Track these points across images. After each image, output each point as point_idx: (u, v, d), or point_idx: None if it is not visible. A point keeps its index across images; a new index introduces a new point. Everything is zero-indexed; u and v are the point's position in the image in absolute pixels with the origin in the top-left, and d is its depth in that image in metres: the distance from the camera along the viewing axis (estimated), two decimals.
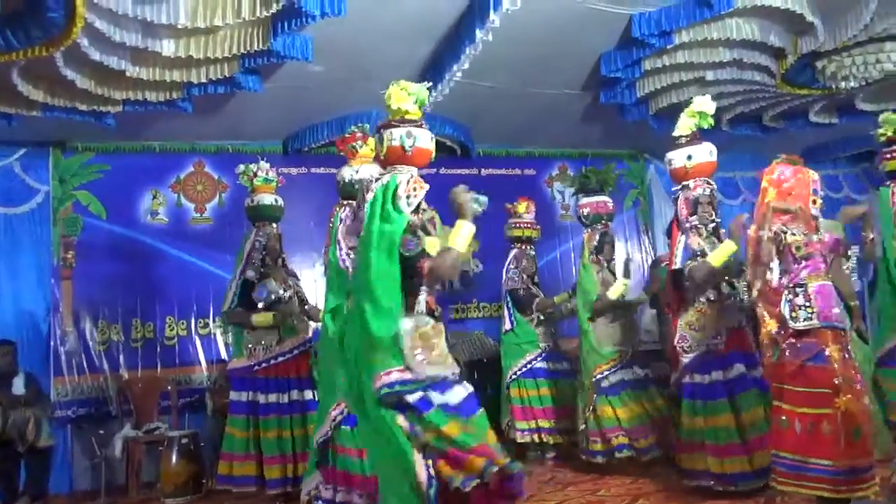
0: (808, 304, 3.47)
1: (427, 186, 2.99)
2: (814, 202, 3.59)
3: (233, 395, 4.88)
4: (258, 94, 5.39)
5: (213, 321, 6.58)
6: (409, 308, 2.93)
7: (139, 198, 6.62)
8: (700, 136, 4.55)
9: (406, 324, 2.85)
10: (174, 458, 5.30)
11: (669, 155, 4.55)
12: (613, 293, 5.29)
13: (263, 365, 4.80)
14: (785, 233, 3.56)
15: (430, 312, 2.99)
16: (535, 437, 5.63)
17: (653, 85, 5.79)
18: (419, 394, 2.80)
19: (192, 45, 4.47)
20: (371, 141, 4.29)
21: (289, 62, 4.92)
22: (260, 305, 4.83)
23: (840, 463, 3.29)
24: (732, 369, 4.25)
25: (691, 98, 5.72)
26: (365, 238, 2.92)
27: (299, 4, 4.08)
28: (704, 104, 4.51)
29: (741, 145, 7.58)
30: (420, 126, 3.09)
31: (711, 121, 4.55)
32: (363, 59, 5.25)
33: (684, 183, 4.47)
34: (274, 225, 5.09)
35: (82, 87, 4.82)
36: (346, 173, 4.31)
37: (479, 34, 4.53)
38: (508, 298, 5.91)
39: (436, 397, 2.84)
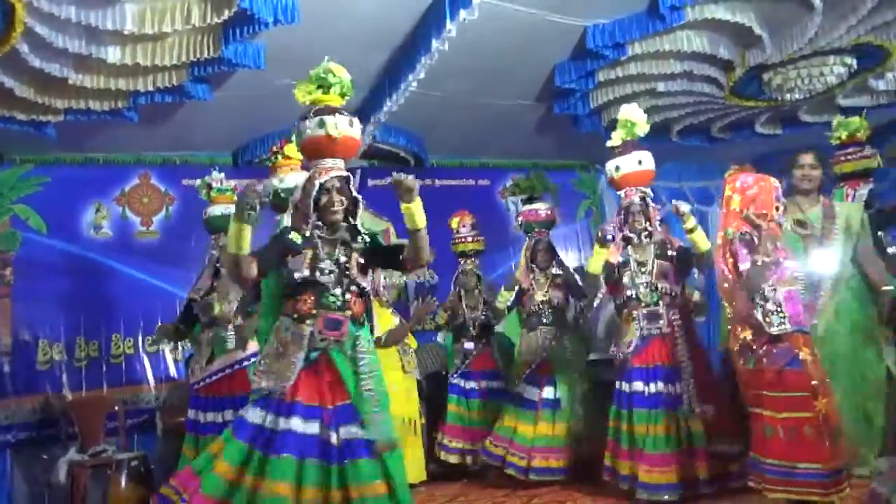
0: (779, 309, 3.50)
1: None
2: (776, 209, 3.65)
3: (190, 413, 4.77)
4: (207, 104, 5.25)
5: None
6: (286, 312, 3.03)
7: (82, 211, 6.37)
8: (633, 145, 4.64)
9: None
10: (123, 482, 5.08)
11: (606, 165, 4.69)
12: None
13: (201, 383, 4.70)
14: (751, 238, 3.61)
15: (296, 316, 3.01)
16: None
17: (606, 96, 5.85)
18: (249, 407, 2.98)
19: (140, 52, 4.33)
20: (289, 148, 4.25)
21: (240, 71, 4.81)
22: (203, 320, 4.72)
23: (826, 465, 3.33)
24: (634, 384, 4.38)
25: (643, 109, 5.88)
26: None
27: (251, 11, 3.98)
28: (632, 112, 4.60)
29: (689, 156, 7.73)
30: (332, 112, 3.10)
31: (642, 129, 4.66)
32: (315, 66, 5.15)
33: (617, 192, 4.54)
34: None
35: (21, 96, 4.61)
36: (273, 183, 4.26)
37: (434, 43, 4.51)
38: None
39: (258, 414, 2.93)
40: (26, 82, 4.56)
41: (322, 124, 3.05)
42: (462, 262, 5.93)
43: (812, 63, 5.53)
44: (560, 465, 5.02)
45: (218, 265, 4.82)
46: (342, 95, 3.24)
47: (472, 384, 5.72)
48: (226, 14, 4.02)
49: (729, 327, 3.75)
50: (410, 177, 2.97)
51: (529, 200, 5.69)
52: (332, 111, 3.10)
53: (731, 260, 3.66)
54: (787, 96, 5.88)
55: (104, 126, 5.53)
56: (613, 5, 4.74)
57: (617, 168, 4.57)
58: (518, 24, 4.76)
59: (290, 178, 4.12)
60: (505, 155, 7.69)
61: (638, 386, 4.36)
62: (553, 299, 5.37)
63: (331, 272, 3.04)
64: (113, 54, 4.27)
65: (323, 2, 4.31)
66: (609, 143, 4.69)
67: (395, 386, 4.39)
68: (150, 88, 4.73)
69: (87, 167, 6.39)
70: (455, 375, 5.74)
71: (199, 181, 5.09)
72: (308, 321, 2.98)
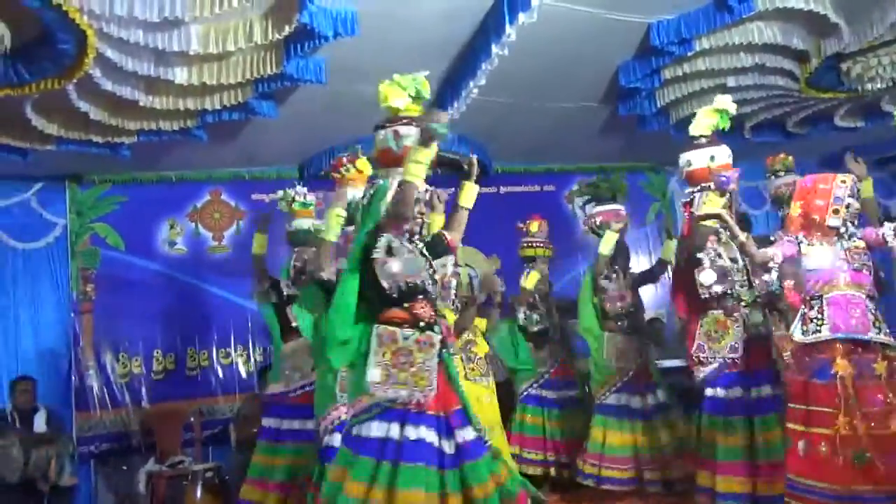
0: (819, 316, 3.34)
1: (422, 187, 2.96)
2: (835, 211, 3.47)
3: (264, 422, 4.74)
4: (273, 120, 5.34)
5: (235, 350, 6.49)
6: (386, 320, 2.90)
7: (157, 228, 6.59)
8: (719, 137, 4.40)
9: (374, 342, 2.87)
10: (199, 493, 5.18)
11: (687, 155, 4.35)
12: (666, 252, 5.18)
13: (298, 392, 4.62)
14: (801, 243, 3.47)
15: (416, 324, 2.92)
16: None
17: (673, 94, 5.67)
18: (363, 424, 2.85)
19: (205, 71, 4.43)
20: (360, 162, 4.20)
21: (303, 85, 4.86)
22: (294, 325, 4.68)
23: (838, 487, 3.12)
24: (757, 388, 4.08)
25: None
26: (351, 250, 2.97)
27: (312, 26, 4.02)
28: (725, 103, 4.34)
29: (764, 153, 7.41)
30: (410, 124, 2.99)
31: (729, 122, 4.40)
32: (377, 79, 5.15)
33: (704, 185, 4.25)
34: (313, 249, 4.92)
35: (96, 119, 4.80)
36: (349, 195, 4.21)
37: (494, 49, 4.45)
38: None
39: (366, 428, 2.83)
40: (100, 106, 4.73)
41: (398, 136, 3.06)
42: (530, 266, 5.82)
43: (894, 50, 5.24)
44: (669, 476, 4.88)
45: (303, 277, 4.78)
46: (421, 110, 3.21)
47: (550, 394, 5.60)
48: (286, 30, 4.07)
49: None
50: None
51: (595, 200, 5.56)
52: (406, 122, 3.09)
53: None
54: (868, 86, 5.58)
55: (175, 145, 5.69)
56: (677, 0, 4.59)
57: (712, 158, 4.24)
58: (578, 24, 4.66)
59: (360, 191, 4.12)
60: (570, 159, 7.56)
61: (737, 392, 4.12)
62: (637, 302, 5.28)
63: (433, 281, 3.06)
64: (180, 75, 4.38)
65: (382, 13, 4.32)
66: (695, 132, 4.37)
67: None
68: (217, 107, 4.84)
69: (161, 185, 6.61)
70: (535, 385, 5.61)
71: (280, 193, 4.99)
72: (435, 328, 2.95)
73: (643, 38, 4.92)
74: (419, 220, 3.09)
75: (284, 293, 4.78)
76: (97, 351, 6.18)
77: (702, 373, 4.15)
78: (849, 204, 3.50)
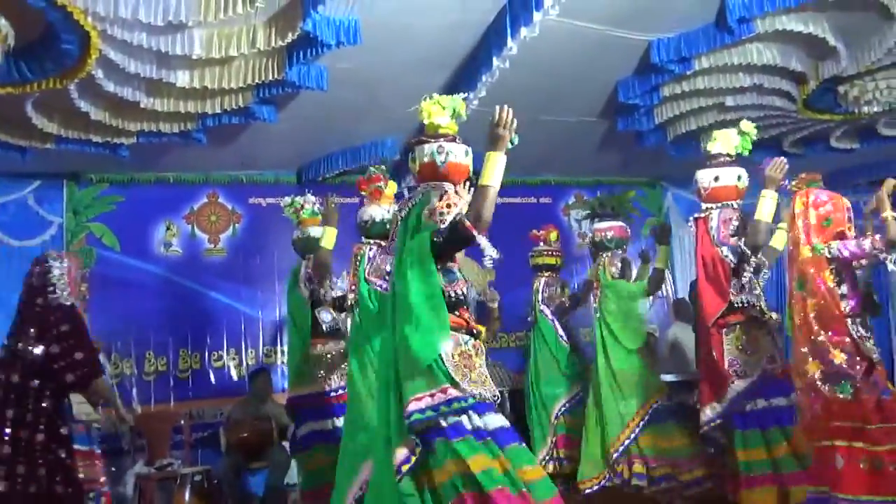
0: (869, 334, 3.33)
1: (462, 201, 2.88)
2: (849, 228, 3.46)
3: (303, 429, 4.65)
4: (272, 124, 5.35)
5: (227, 354, 6.49)
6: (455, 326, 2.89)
7: (153, 229, 6.59)
8: (734, 159, 4.39)
9: (446, 345, 2.78)
10: (187, 497, 5.17)
11: (713, 172, 4.29)
12: (661, 262, 5.15)
13: (340, 392, 4.58)
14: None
15: (470, 331, 2.93)
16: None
17: (671, 111, 5.72)
18: (454, 418, 2.71)
19: (207, 75, 4.45)
20: (392, 184, 4.23)
21: (303, 92, 4.88)
22: (325, 328, 4.68)
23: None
24: (787, 398, 4.00)
25: (710, 124, 5.73)
26: (399, 260, 2.87)
27: (315, 34, 4.05)
28: (750, 126, 4.37)
29: (758, 172, 7.47)
30: (453, 140, 3.01)
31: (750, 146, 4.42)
32: (378, 87, 5.21)
33: (726, 203, 4.26)
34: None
35: (96, 119, 4.81)
36: (377, 213, 4.18)
37: (495, 62, 4.48)
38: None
39: (473, 420, 2.75)
40: (101, 106, 4.75)
41: (468, 154, 3.03)
42: (545, 275, 5.81)
43: (891, 74, 5.30)
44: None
45: (314, 284, 4.69)
46: (455, 119, 3.19)
47: None
48: (289, 37, 4.09)
49: (804, 350, 3.41)
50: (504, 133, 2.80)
51: (600, 216, 5.57)
52: (451, 139, 3.05)
53: (831, 277, 3.38)
54: (865, 109, 5.63)
55: (174, 147, 5.70)
56: (678, 19, 4.63)
57: (739, 178, 4.27)
58: (580, 39, 4.70)
59: (377, 211, 4.17)
60: (567, 172, 7.60)
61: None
62: None
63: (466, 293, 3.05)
64: (182, 78, 4.39)
65: (384, 23, 4.34)
66: (721, 150, 4.35)
67: None
68: (218, 111, 4.86)
69: (158, 186, 6.61)
70: None
71: (287, 199, 4.95)
72: (476, 334, 2.96)
73: (643, 55, 4.97)
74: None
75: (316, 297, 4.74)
76: None
77: (739, 386, 4.07)
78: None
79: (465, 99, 3.17)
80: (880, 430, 3.22)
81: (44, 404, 3.56)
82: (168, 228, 6.64)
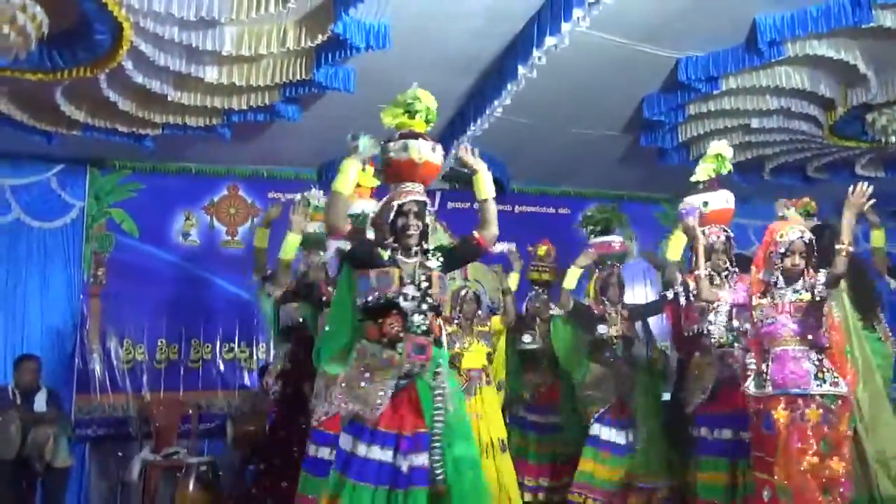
0: (764, 371, 3.48)
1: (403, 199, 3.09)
2: (776, 262, 3.58)
3: None
4: (296, 123, 5.37)
5: (238, 346, 6.53)
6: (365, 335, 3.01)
7: (172, 218, 6.63)
8: (719, 182, 4.49)
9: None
10: (191, 486, 5.21)
11: (687, 200, 4.47)
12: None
13: None
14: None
15: (381, 340, 2.97)
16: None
17: (696, 130, 5.69)
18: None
19: (235, 72, 4.47)
20: (363, 174, 4.23)
21: (329, 92, 4.90)
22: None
23: None
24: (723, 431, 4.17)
25: (735, 145, 5.68)
26: None
27: (344, 36, 4.06)
28: (721, 148, 4.46)
29: (781, 194, 7.40)
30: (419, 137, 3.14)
31: (729, 165, 4.50)
32: (403, 90, 5.20)
33: (700, 229, 4.31)
34: (321, 254, 4.88)
35: (123, 109, 4.85)
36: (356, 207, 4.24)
37: (521, 70, 4.47)
38: None
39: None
40: (129, 97, 4.78)
41: (406, 148, 3.09)
42: (538, 290, 5.83)
43: None
44: None
45: (305, 282, 4.76)
46: (427, 121, 3.27)
47: (535, 417, 5.60)
48: (319, 38, 4.11)
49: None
50: (469, 153, 3.23)
51: (602, 232, 5.55)
52: (416, 136, 3.14)
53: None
54: (893, 138, 5.57)
55: (198, 140, 5.74)
56: (708, 38, 4.61)
57: (705, 203, 4.38)
58: (608, 53, 4.68)
59: (358, 204, 4.17)
60: (587, 185, 7.57)
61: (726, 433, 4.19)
62: (626, 334, 5.21)
63: (413, 297, 3.01)
64: (210, 74, 4.42)
65: (412, 27, 4.35)
66: (694, 178, 4.53)
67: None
68: (244, 107, 4.88)
69: (180, 176, 6.65)
70: (524, 408, 5.61)
71: (298, 195, 4.99)
72: (398, 346, 2.94)
73: (671, 72, 4.95)
74: (410, 233, 3.08)
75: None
76: (103, 335, 6.21)
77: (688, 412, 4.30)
78: (784, 255, 3.54)
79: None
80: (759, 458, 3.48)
81: None
82: (187, 218, 6.68)
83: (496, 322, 5.33)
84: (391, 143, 3.14)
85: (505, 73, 4.75)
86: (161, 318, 6.39)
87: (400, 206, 3.08)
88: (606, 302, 5.19)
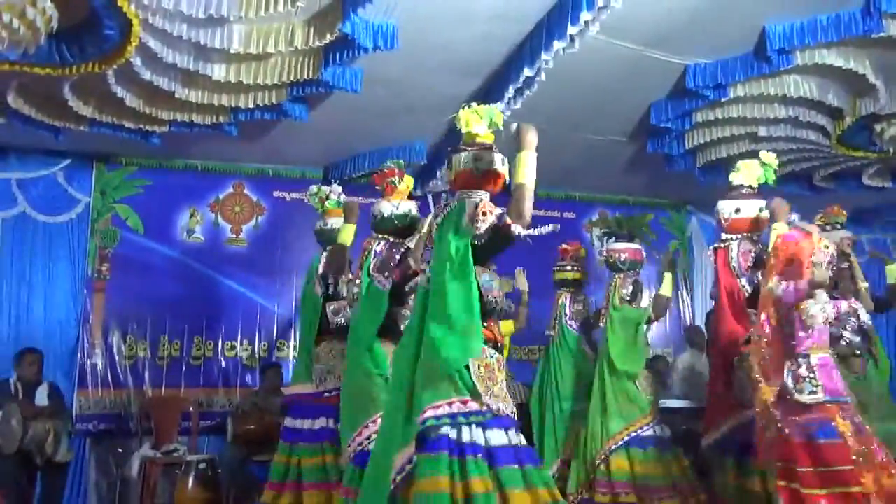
0: (811, 375, 3.35)
1: (497, 210, 2.86)
2: (828, 268, 3.45)
3: (288, 422, 4.62)
4: (303, 122, 5.37)
5: (241, 344, 6.53)
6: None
7: (177, 215, 6.63)
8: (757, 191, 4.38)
9: (475, 356, 2.78)
10: (190, 484, 5.17)
11: (734, 203, 4.28)
12: (666, 290, 5.11)
13: (334, 392, 4.42)
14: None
15: (496, 345, 2.92)
16: None
17: (703, 137, 5.68)
18: (466, 429, 2.69)
19: (243, 70, 4.47)
20: (408, 178, 4.20)
21: (336, 92, 4.90)
22: (332, 326, 4.54)
23: None
24: None
25: (741, 153, 5.67)
26: (437, 265, 2.88)
27: (353, 37, 4.06)
28: (770, 157, 4.35)
29: (788, 201, 7.39)
30: (489, 149, 3.01)
31: (774, 176, 4.40)
32: (410, 92, 5.22)
33: (747, 234, 4.23)
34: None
35: (131, 106, 4.85)
36: (386, 208, 4.17)
37: (527, 72, 4.45)
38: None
39: (476, 435, 2.71)
40: (136, 93, 4.79)
41: (504, 163, 3.03)
42: (569, 290, 5.74)
43: None
44: None
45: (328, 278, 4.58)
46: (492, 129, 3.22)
47: None
48: (327, 38, 4.11)
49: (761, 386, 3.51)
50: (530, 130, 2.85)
51: (615, 236, 5.54)
52: (488, 147, 3.05)
53: (774, 314, 3.48)
54: None
55: (204, 137, 5.74)
56: (717, 45, 4.60)
57: (761, 209, 4.20)
58: (616, 58, 4.68)
59: (404, 205, 4.14)
60: (593, 189, 7.57)
61: None
62: None
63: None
64: (218, 71, 4.42)
65: (421, 29, 4.35)
66: (743, 181, 4.34)
67: None
68: (251, 105, 4.88)
69: (186, 173, 6.65)
70: None
71: (313, 188, 4.79)
72: (500, 349, 2.97)
73: (679, 79, 4.95)
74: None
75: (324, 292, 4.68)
76: (105, 330, 6.22)
77: (745, 417, 4.07)
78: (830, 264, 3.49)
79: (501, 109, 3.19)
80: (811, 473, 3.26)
81: None
82: (192, 215, 6.69)
83: (507, 326, 5.32)
84: (495, 154, 3.02)
85: (512, 76, 4.74)
86: (164, 315, 6.39)
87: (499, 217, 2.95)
88: (637, 307, 5.20)
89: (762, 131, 5.52)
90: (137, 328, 6.31)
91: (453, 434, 2.67)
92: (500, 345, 2.94)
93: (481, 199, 2.91)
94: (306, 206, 4.91)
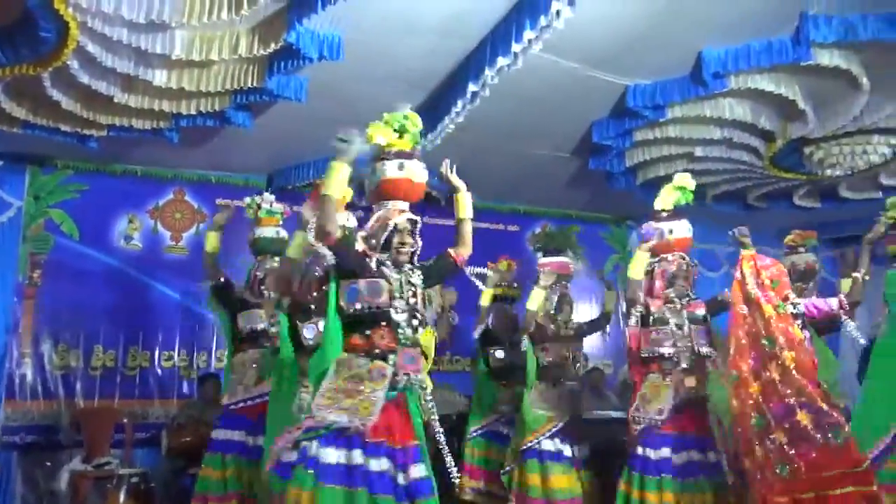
0: None
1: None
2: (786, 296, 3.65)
3: (213, 433, 4.61)
4: (247, 130, 5.32)
5: (178, 354, 6.39)
6: (347, 347, 3.01)
7: (114, 221, 6.45)
8: (681, 211, 4.56)
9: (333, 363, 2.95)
10: (122, 498, 5.04)
11: (649, 227, 4.53)
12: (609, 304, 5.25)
13: (240, 405, 4.53)
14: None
15: (372, 353, 2.97)
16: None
17: (642, 156, 5.83)
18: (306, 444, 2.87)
19: (185, 76, 4.40)
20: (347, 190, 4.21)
21: (280, 101, 4.87)
22: (243, 335, 4.63)
23: None
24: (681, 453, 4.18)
25: (679, 171, 5.82)
26: None
27: (297, 46, 4.05)
28: (686, 180, 4.54)
29: (723, 219, 7.63)
30: (385, 158, 3.16)
31: (691, 196, 4.57)
32: (356, 103, 5.17)
33: (662, 256, 4.45)
34: (276, 259, 4.77)
35: (67, 109, 4.72)
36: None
37: (472, 87, 4.51)
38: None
39: (312, 449, 2.85)
40: (73, 97, 4.66)
41: (402, 167, 3.14)
42: (504, 306, 5.79)
43: (856, 141, 5.47)
44: None
45: (262, 288, 4.69)
46: (413, 143, 3.27)
47: (508, 430, 5.55)
48: (272, 47, 4.08)
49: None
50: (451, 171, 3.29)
51: (543, 251, 5.61)
52: (409, 156, 3.16)
53: (802, 333, 3.65)
54: (828, 171, 5.81)
55: (145, 142, 5.62)
56: (656, 67, 4.74)
57: (671, 231, 4.45)
58: (560, 76, 4.77)
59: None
60: (536, 203, 7.68)
61: (665, 452, 4.19)
62: (576, 353, 5.27)
63: (403, 310, 3.06)
64: (159, 77, 4.34)
65: (366, 41, 4.36)
66: (660, 206, 4.55)
67: None
68: (193, 112, 4.81)
69: (125, 178, 6.48)
70: (501, 422, 5.55)
71: (247, 199, 4.94)
72: (390, 357, 2.98)
73: (620, 98, 5.07)
74: (405, 251, 3.12)
75: (238, 300, 4.72)
76: (36, 339, 6.00)
77: (634, 432, 4.29)
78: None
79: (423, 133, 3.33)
80: (867, 471, 3.36)
81: None
82: (130, 221, 6.51)
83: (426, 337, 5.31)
84: (385, 162, 3.15)
85: (458, 89, 4.79)
86: (99, 324, 6.20)
87: (396, 224, 3.11)
88: (560, 321, 5.25)
89: (699, 151, 5.71)
90: (70, 337, 6.11)
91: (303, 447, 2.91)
92: (381, 353, 2.99)
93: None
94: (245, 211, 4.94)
